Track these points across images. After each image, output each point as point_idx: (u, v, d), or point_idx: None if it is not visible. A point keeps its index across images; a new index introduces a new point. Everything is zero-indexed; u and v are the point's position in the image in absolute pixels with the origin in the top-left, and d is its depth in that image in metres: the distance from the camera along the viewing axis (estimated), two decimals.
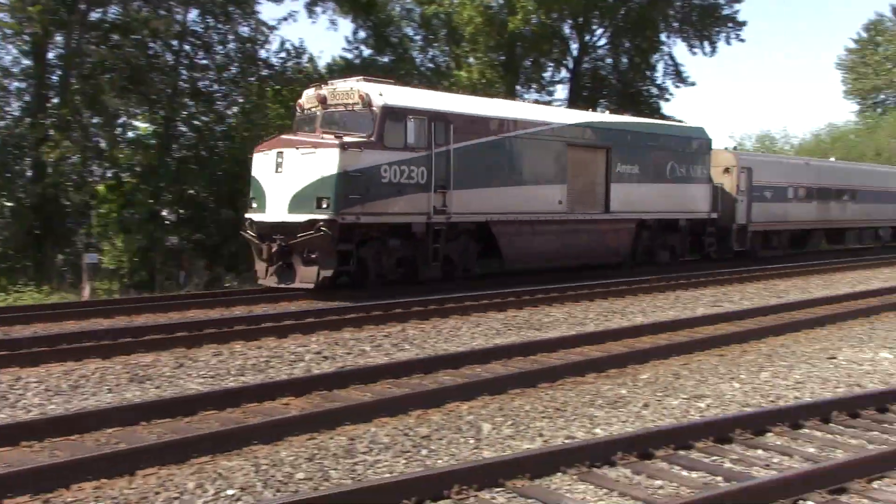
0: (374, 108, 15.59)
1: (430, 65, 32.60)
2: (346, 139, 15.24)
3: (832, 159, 37.18)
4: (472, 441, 7.00)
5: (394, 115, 15.76)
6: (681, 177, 22.45)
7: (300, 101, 17.25)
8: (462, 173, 16.87)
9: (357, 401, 8.08)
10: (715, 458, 6.49)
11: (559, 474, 6.00)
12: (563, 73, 35.63)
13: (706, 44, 35.32)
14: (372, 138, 15.46)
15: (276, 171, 15.58)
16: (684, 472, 6.15)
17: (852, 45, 76.76)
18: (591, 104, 34.07)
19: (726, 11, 35.24)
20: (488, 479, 5.72)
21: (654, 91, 36.12)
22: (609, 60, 36.63)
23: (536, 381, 9.02)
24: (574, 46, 35.25)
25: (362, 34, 30.65)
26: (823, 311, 14.55)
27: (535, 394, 8.62)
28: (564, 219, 19.35)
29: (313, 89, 16.88)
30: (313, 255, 15.02)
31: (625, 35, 35.18)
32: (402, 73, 30.52)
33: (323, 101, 16.33)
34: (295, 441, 6.88)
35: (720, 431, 6.91)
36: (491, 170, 17.60)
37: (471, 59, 30.01)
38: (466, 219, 17.22)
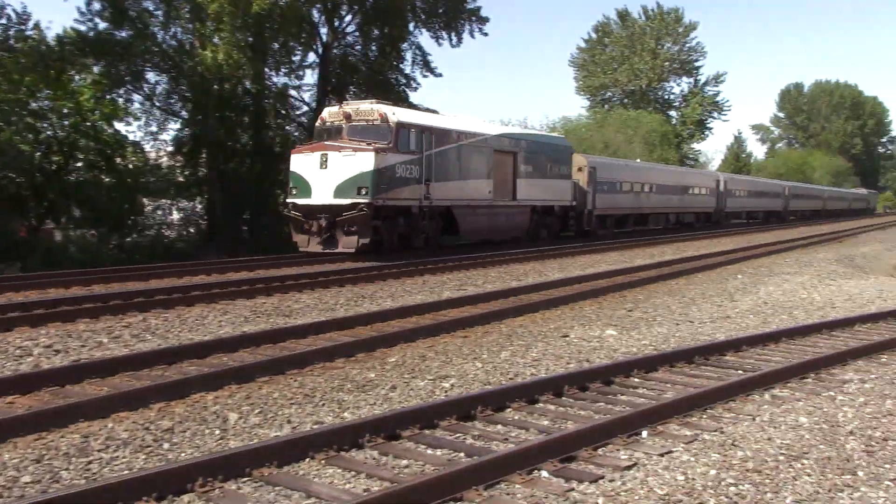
0: (391, 124, 21.28)
1: (174, 42, 31.08)
2: (377, 145, 20.65)
3: (638, 160, 45.82)
4: (217, 432, 6.81)
5: (403, 128, 21.63)
6: (556, 174, 29.65)
7: (322, 115, 22.75)
8: (438, 170, 22.83)
9: (92, 396, 7.61)
10: (458, 435, 6.74)
11: (307, 460, 5.99)
12: (313, 58, 35.37)
13: (452, 35, 36.46)
14: (391, 145, 21.04)
15: (321, 168, 20.66)
16: (429, 451, 6.34)
17: (583, 45, 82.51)
18: (340, 91, 34.10)
19: (470, 6, 36.58)
20: (234, 469, 5.60)
21: (403, 80, 36.79)
22: (359, 47, 36.82)
23: (285, 367, 8.95)
24: (323, 31, 35.08)
25: (97, 6, 28.63)
26: (558, 293, 15.55)
27: (283, 381, 8.54)
28: (491, 204, 25.79)
29: (337, 107, 22.59)
30: (353, 228, 20.27)
31: (374, 23, 35.46)
32: (142, 49, 28.96)
33: (348, 117, 21.59)
34: (20, 442, 6.38)
35: (463, 409, 7.18)
36: (454, 168, 23.72)
37: (216, 39, 28.85)
38: (440, 204, 23.21)
